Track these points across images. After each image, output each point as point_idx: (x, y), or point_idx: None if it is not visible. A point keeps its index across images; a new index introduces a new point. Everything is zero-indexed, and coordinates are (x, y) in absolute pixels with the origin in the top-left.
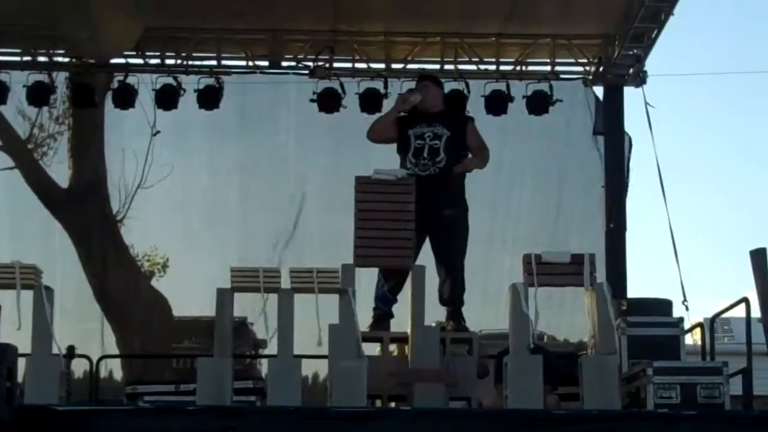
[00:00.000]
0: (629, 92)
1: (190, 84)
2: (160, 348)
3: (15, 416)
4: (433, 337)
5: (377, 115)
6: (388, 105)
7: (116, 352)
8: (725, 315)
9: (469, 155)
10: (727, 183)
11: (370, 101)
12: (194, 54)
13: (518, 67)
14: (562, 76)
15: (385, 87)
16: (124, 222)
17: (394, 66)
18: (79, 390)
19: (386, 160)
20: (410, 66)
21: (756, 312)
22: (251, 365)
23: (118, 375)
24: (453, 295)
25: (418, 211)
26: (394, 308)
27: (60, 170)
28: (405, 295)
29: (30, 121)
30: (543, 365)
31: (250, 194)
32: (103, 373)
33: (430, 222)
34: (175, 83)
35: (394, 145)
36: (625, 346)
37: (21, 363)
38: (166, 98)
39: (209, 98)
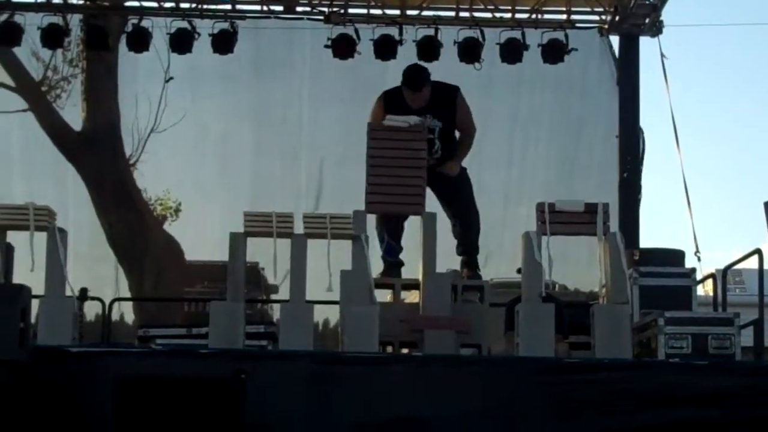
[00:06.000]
0: (645, 42)
1: (205, 28)
2: (172, 292)
3: (28, 356)
4: (444, 285)
5: (392, 62)
6: (402, 51)
7: (128, 295)
8: (737, 266)
9: (459, 135)
10: (742, 134)
11: (384, 48)
12: None
13: (534, 15)
14: (577, 25)
15: (400, 33)
16: (136, 166)
17: (409, 12)
18: (91, 333)
19: None
20: (425, 13)
21: None
22: (263, 310)
23: (130, 318)
24: (468, 245)
25: None
26: (405, 257)
27: (73, 113)
28: (415, 242)
29: (44, 63)
30: (554, 314)
31: (262, 141)
32: (115, 316)
33: (433, 182)
34: (189, 27)
35: None
36: (636, 296)
37: (34, 304)
38: (180, 42)
39: (223, 43)
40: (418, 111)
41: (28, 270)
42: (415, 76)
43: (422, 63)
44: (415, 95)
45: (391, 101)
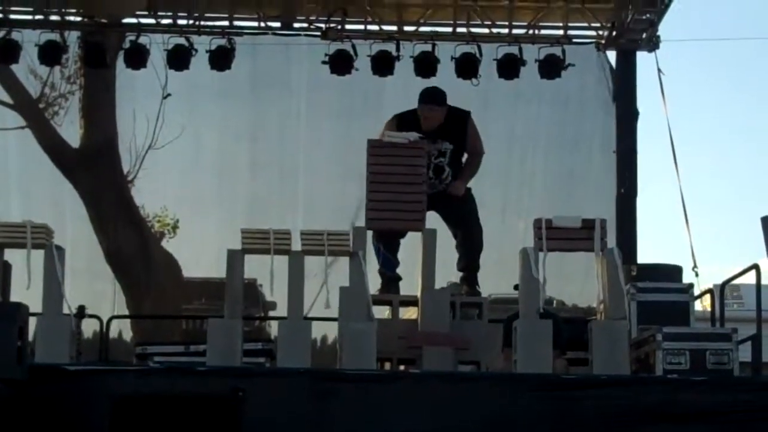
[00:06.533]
0: (642, 57)
1: (202, 45)
2: (170, 309)
3: (26, 374)
4: (442, 301)
5: (389, 78)
6: (399, 67)
7: (126, 312)
8: (735, 282)
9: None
10: (739, 149)
11: (381, 63)
12: (206, 14)
13: (531, 31)
14: (574, 40)
15: (398, 49)
16: (134, 182)
17: (407, 28)
18: (89, 350)
19: None
20: (423, 28)
21: (766, 279)
22: (260, 326)
23: (128, 336)
24: (469, 262)
25: None
26: (404, 273)
27: (71, 130)
28: (413, 259)
29: (41, 80)
30: (552, 330)
31: (260, 157)
32: (112, 334)
33: (437, 203)
34: (186, 44)
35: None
36: (634, 312)
37: (32, 322)
38: (178, 58)
39: (221, 59)
40: (430, 133)
41: (25, 288)
42: (435, 92)
43: (420, 78)
44: (432, 113)
45: (404, 124)
